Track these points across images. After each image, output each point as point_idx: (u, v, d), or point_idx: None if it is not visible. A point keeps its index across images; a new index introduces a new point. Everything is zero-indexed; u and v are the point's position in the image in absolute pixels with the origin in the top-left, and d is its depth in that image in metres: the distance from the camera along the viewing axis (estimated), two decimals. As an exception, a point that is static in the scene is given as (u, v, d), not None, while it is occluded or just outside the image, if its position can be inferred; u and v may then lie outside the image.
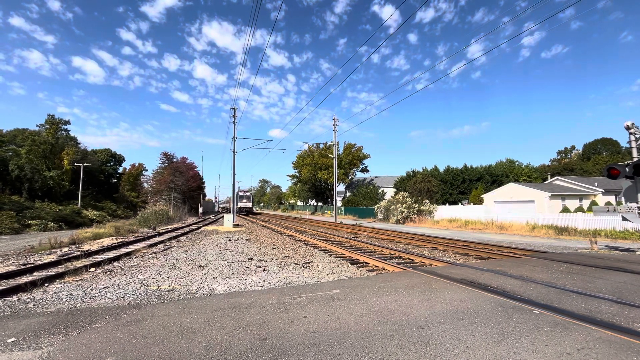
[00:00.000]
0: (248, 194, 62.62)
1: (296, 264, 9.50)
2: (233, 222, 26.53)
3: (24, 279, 7.51)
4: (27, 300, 5.94)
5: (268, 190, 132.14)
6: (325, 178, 58.23)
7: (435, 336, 3.69)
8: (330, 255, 11.19)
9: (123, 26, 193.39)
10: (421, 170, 49.00)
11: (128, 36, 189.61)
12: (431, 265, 9.15)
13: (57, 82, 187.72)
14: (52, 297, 6.08)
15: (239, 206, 56.50)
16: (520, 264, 8.44)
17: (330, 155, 49.48)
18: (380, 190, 53.56)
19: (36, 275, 7.90)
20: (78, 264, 9.44)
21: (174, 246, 14.29)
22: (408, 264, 9.34)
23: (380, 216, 34.92)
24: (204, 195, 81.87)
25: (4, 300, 5.90)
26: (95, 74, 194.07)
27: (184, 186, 58.34)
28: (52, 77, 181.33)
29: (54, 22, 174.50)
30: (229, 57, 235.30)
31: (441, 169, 48.59)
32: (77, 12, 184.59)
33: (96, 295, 6.27)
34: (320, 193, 66.01)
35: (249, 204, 61.33)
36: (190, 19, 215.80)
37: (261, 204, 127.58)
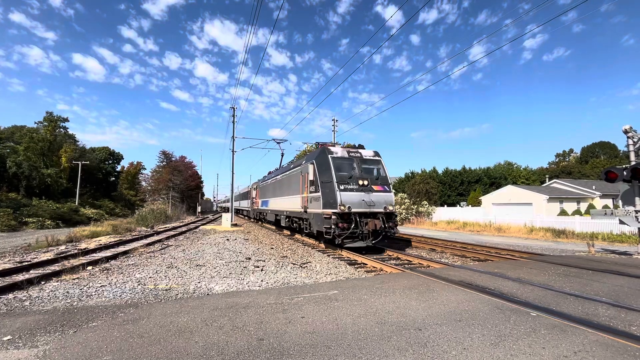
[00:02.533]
0: (377, 157, 13.08)
1: (294, 264, 9.48)
2: (231, 221, 26.49)
3: (20, 277, 7.48)
4: (24, 298, 5.91)
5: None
6: (324, 178, 57.98)
7: (432, 338, 3.69)
8: (328, 255, 11.17)
9: (124, 23, 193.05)
10: (420, 172, 49.11)
11: (129, 34, 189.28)
12: (429, 266, 9.16)
13: (57, 79, 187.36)
14: (48, 295, 6.05)
15: (359, 210, 11.26)
16: (518, 267, 8.46)
17: (329, 155, 49.18)
18: (379, 191, 53.41)
19: (33, 273, 7.86)
20: (75, 262, 9.40)
21: (171, 245, 14.25)
22: (406, 265, 9.34)
23: (378, 217, 34.92)
24: (203, 195, 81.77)
25: (0, 298, 5.87)
26: (96, 72, 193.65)
27: (183, 185, 58.29)
28: (52, 74, 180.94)
29: (55, 19, 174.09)
30: (230, 56, 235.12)
31: (440, 171, 48.75)
32: (79, 8, 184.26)
33: (93, 293, 6.24)
34: (319, 193, 65.74)
35: (389, 198, 11.92)
36: (192, 17, 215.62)
37: None
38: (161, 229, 22.23)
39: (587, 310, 4.76)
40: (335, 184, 11.27)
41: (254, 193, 30.62)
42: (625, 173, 10.25)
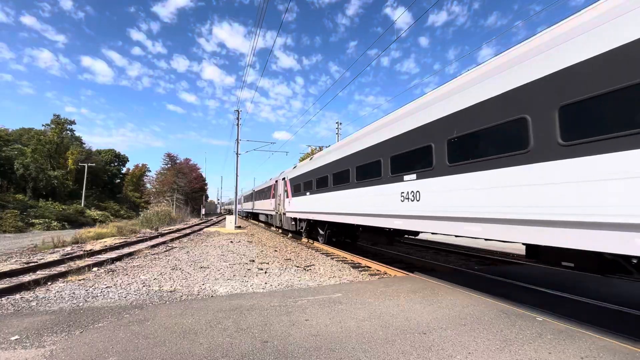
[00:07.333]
0: None
1: (298, 266, 9.49)
2: (235, 224, 26.56)
3: (27, 278, 7.55)
4: (30, 298, 5.97)
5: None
6: (327, 181, 57.91)
7: (437, 342, 3.67)
8: (332, 258, 11.16)
9: (134, 26, 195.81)
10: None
11: (138, 36, 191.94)
12: (433, 270, 9.10)
13: (66, 82, 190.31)
14: (55, 296, 6.11)
15: None
16: (524, 271, 8.38)
17: (333, 158, 49.05)
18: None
19: (39, 274, 7.94)
20: (81, 263, 9.48)
21: (176, 247, 14.31)
22: (410, 269, 9.29)
23: (382, 220, 34.65)
24: (207, 197, 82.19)
25: (8, 298, 5.94)
26: (104, 74, 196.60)
27: (187, 187, 58.64)
28: (61, 77, 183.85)
29: (66, 22, 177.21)
30: (238, 59, 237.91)
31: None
32: (89, 11, 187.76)
33: (98, 294, 6.29)
34: (323, 196, 65.62)
35: None
36: (201, 20, 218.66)
37: None
38: (165, 231, 22.35)
39: (595, 315, 4.71)
40: None
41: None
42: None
